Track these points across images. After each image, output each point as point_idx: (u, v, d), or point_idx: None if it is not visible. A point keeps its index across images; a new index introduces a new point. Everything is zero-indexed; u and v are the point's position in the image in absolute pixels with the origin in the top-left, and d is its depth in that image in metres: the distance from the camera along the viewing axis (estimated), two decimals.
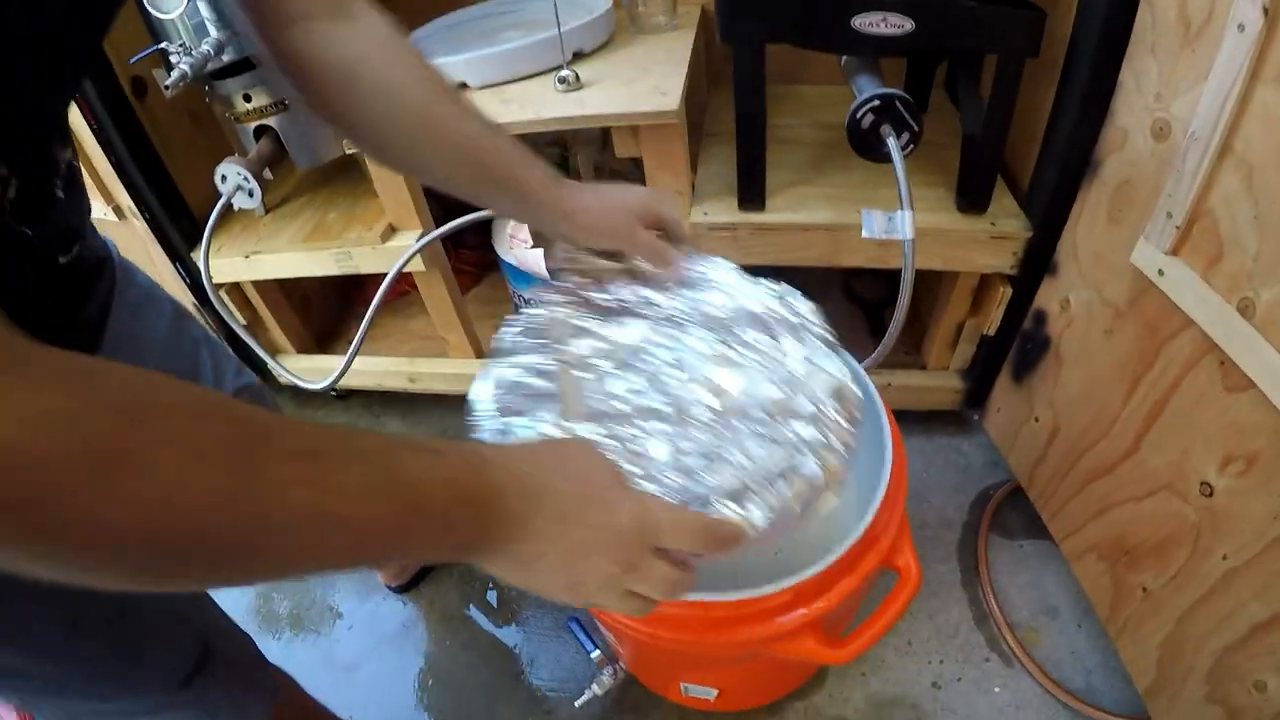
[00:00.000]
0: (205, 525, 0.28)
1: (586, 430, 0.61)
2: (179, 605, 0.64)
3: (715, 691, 0.91)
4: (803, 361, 0.65)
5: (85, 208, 0.57)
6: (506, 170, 0.64)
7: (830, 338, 0.68)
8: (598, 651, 1.03)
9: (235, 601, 1.29)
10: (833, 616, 0.74)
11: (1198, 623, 0.82)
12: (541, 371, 0.66)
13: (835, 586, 0.72)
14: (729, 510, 0.54)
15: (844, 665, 1.07)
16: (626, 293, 0.72)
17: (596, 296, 0.72)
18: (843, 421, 0.62)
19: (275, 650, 1.22)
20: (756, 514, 0.54)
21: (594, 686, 1.01)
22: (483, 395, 0.65)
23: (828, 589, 0.72)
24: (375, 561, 0.38)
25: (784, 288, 0.72)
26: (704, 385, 0.64)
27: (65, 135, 0.51)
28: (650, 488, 0.54)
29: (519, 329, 0.70)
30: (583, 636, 1.05)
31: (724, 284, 0.73)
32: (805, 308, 0.71)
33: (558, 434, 0.60)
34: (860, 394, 0.65)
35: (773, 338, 0.67)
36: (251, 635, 0.77)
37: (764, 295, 0.71)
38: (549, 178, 0.66)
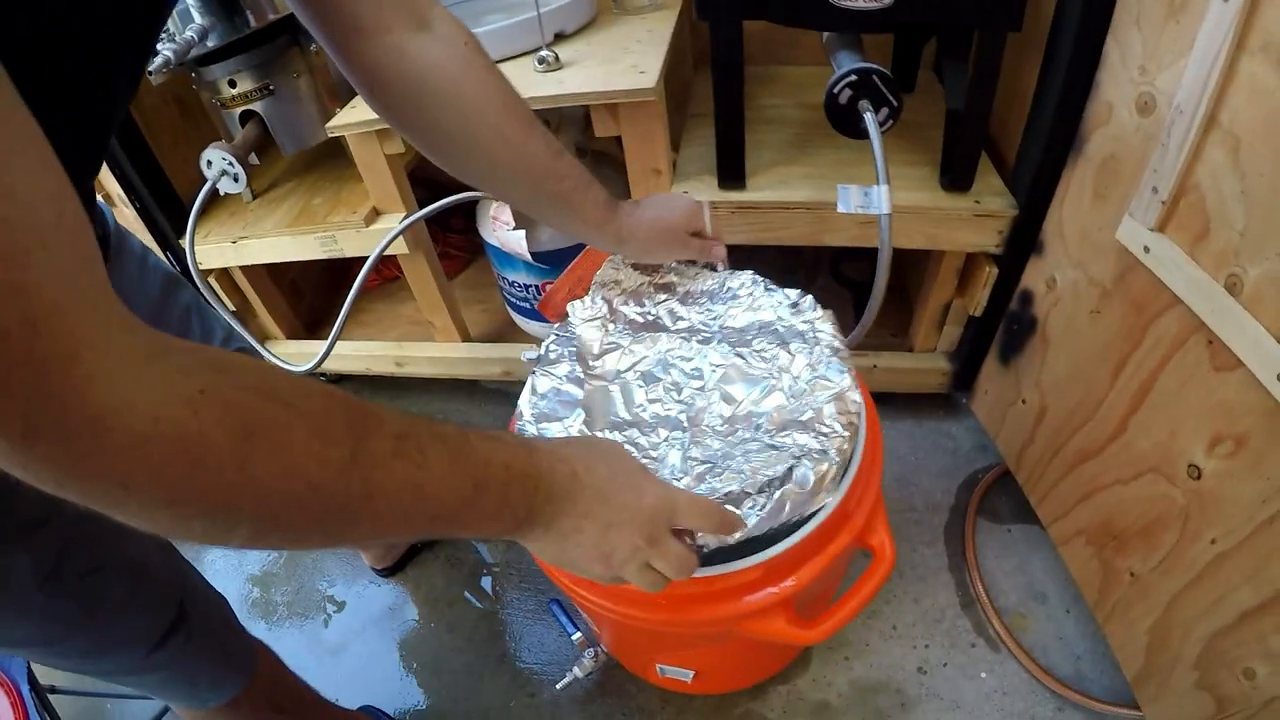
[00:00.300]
0: (324, 487, 0.33)
1: (610, 438, 0.70)
2: (153, 567, 0.64)
3: (691, 673, 0.90)
4: (807, 369, 0.72)
5: (95, 220, 0.60)
6: (565, 197, 0.69)
7: (837, 344, 0.74)
8: (579, 634, 1.02)
9: (224, 585, 1.30)
10: (805, 596, 0.73)
11: (1186, 608, 0.80)
12: (574, 379, 0.76)
13: (805, 565, 0.71)
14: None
15: (828, 649, 1.06)
16: (657, 307, 0.82)
17: (630, 312, 0.82)
18: (840, 429, 0.67)
19: (262, 633, 1.22)
20: (751, 515, 0.62)
21: (575, 669, 1.01)
22: (526, 401, 0.75)
23: (797, 567, 0.71)
24: (444, 532, 0.43)
25: (798, 294, 0.79)
26: (718, 394, 0.73)
27: (98, 168, 0.54)
28: None
29: (559, 342, 0.80)
30: (564, 619, 1.05)
31: (744, 295, 0.81)
32: (817, 316, 0.77)
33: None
34: (859, 399, 0.70)
35: (783, 346, 0.75)
36: (238, 616, 0.78)
37: (779, 305, 0.79)
38: (603, 204, 0.72)
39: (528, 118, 0.64)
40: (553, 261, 1.19)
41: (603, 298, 0.83)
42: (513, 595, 1.21)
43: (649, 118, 0.98)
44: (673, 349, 0.77)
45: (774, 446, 0.67)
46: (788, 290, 0.80)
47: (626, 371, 0.77)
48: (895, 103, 0.87)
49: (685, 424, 0.71)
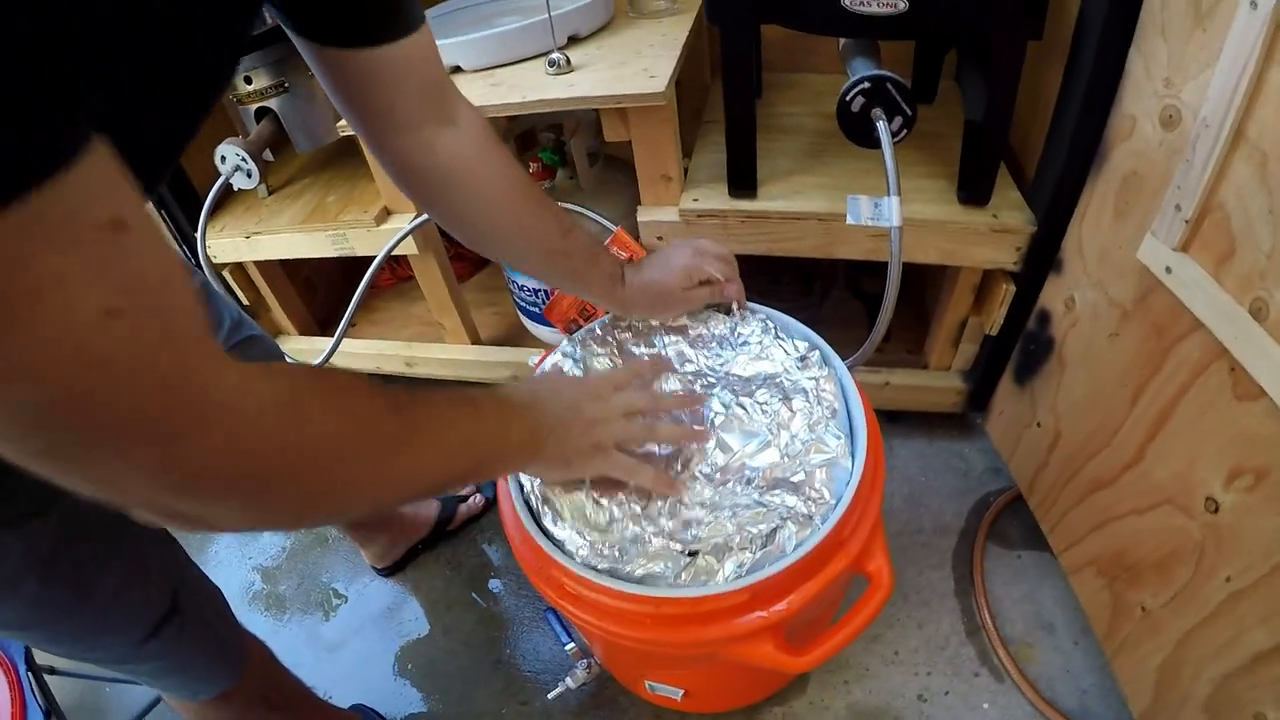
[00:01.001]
0: (360, 454, 0.41)
1: None
2: (149, 558, 0.65)
3: (681, 691, 0.88)
4: (805, 429, 0.73)
5: None
6: (574, 272, 0.75)
7: (838, 406, 0.76)
8: (573, 644, 1.01)
9: (228, 576, 1.31)
10: (796, 621, 0.70)
11: (1198, 647, 0.77)
12: None
13: (797, 590, 0.68)
14: (709, 562, 0.65)
15: (827, 672, 1.03)
16: (668, 349, 0.83)
17: (639, 351, 0.84)
18: (826, 494, 0.69)
19: (262, 625, 1.23)
20: (730, 567, 0.65)
21: (568, 679, 1.00)
22: None
23: (788, 592, 0.68)
24: (479, 463, 0.54)
25: (807, 348, 0.81)
26: (715, 441, 0.73)
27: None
28: (649, 528, 0.67)
29: (566, 361, 0.82)
30: (558, 628, 1.04)
31: (754, 343, 0.82)
32: (823, 374, 0.78)
33: None
34: (850, 466, 0.71)
35: (785, 402, 0.76)
36: (234, 610, 0.78)
37: (787, 357, 0.80)
38: (608, 277, 0.77)
39: (540, 200, 0.70)
40: None
41: (614, 337, 0.85)
42: (510, 602, 1.20)
43: (659, 123, 0.97)
44: (677, 391, 0.79)
45: (762, 504, 0.68)
46: (797, 341, 0.82)
47: None
48: (909, 112, 0.85)
49: (679, 467, 0.72)
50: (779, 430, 0.73)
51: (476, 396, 0.54)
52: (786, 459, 0.71)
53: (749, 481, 0.70)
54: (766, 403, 0.76)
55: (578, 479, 0.68)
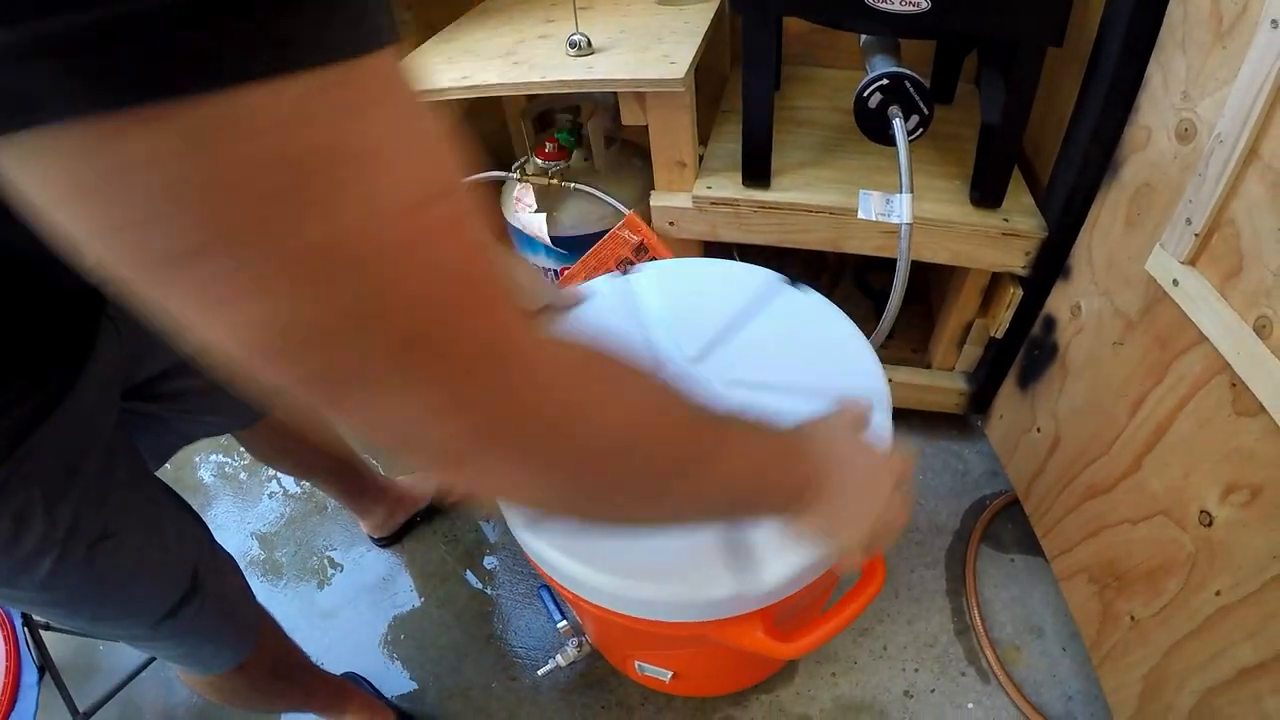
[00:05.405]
0: (683, 426, 0.38)
1: None
2: (168, 536, 0.63)
3: (670, 673, 0.89)
4: None
5: None
6: None
7: None
8: (565, 622, 1.02)
9: (225, 541, 1.32)
10: (788, 607, 0.71)
11: (1184, 659, 0.78)
12: None
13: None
14: None
15: (815, 662, 1.05)
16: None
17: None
18: None
19: (258, 593, 1.22)
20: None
21: (558, 657, 1.01)
22: None
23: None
24: (735, 507, 0.47)
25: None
26: None
27: None
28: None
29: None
30: (552, 606, 1.05)
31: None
32: None
33: None
34: None
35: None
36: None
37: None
38: None
39: None
40: (572, 247, 1.18)
41: None
42: (505, 578, 1.21)
43: (676, 109, 0.97)
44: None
45: None
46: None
47: None
48: (926, 111, 0.85)
49: None
50: None
51: (761, 426, 0.46)
52: None
53: None
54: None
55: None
